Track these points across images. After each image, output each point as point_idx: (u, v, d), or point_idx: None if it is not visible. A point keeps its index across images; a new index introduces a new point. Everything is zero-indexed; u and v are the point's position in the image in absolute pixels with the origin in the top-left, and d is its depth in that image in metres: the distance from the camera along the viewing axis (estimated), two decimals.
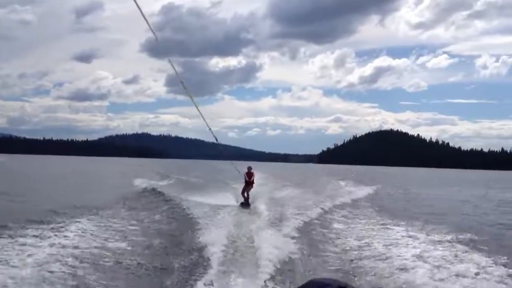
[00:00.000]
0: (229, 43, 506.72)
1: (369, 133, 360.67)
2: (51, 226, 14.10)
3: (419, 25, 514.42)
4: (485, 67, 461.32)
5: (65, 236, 12.68)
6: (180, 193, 24.71)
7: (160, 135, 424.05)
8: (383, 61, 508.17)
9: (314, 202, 23.14)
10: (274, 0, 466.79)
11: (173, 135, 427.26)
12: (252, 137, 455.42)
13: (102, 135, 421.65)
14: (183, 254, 11.49)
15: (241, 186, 22.71)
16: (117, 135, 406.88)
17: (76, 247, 11.42)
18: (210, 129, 18.64)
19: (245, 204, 21.52)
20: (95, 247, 11.72)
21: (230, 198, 22.96)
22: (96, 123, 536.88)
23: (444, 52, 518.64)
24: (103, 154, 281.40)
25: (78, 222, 15.20)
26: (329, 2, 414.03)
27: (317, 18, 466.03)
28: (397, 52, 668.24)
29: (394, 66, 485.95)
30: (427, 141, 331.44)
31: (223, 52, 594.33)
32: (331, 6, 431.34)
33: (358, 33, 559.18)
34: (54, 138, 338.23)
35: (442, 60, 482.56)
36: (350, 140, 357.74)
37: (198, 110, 17.36)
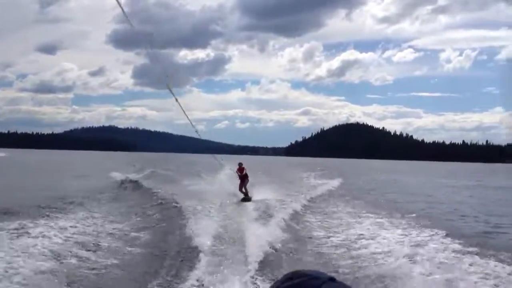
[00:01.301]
0: (198, 35, 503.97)
1: (336, 126, 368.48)
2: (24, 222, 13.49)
3: (385, 19, 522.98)
4: (449, 61, 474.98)
5: (46, 234, 12.21)
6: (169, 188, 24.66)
7: (128, 128, 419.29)
8: (350, 54, 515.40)
9: (295, 194, 24.18)
10: None
11: (140, 128, 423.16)
12: (221, 130, 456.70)
13: (67, 128, 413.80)
14: (171, 248, 11.73)
15: (236, 183, 22.91)
16: (83, 128, 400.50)
17: (60, 244, 11.30)
18: (193, 125, 20.09)
19: (246, 198, 21.81)
20: (78, 244, 11.63)
21: (228, 196, 22.55)
22: (61, 115, 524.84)
23: (409, 46, 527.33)
24: (69, 147, 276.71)
25: (59, 218, 15.03)
26: None
27: (286, 11, 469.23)
28: (364, 45, 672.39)
29: (361, 59, 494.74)
30: (392, 133, 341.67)
31: (192, 44, 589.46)
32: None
33: (326, 27, 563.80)
34: (19, 131, 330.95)
35: (407, 54, 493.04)
36: (317, 133, 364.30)
37: (181, 107, 18.32)
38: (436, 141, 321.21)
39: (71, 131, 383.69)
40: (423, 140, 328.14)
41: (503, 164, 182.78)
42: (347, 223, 16.71)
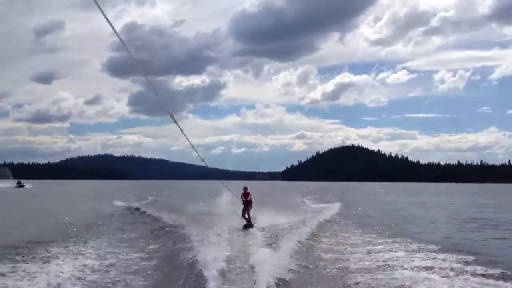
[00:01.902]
0: (192, 62, 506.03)
1: (331, 149, 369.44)
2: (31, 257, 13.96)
3: (378, 42, 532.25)
4: (442, 81, 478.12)
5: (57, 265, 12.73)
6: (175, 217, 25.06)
7: (124, 155, 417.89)
8: (345, 77, 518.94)
9: (300, 220, 24.12)
10: (237, 18, 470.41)
11: (136, 156, 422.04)
12: (217, 156, 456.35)
13: (63, 158, 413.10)
14: (178, 276, 11.75)
15: (240, 208, 22.80)
16: (79, 157, 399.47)
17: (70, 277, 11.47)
18: (198, 153, 19.18)
19: (248, 225, 21.49)
20: (84, 275, 11.86)
21: (233, 221, 22.96)
22: (57, 145, 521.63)
23: (403, 68, 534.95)
24: (65, 177, 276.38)
25: (66, 248, 15.46)
26: (290, 19, 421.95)
27: (280, 35, 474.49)
28: (358, 68, 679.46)
29: (355, 82, 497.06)
30: (387, 155, 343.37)
31: (187, 71, 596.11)
32: (292, 24, 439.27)
33: (320, 50, 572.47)
34: (14, 162, 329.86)
35: (401, 76, 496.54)
36: (313, 156, 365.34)
37: (186, 137, 17.22)
38: (432, 162, 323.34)
39: (67, 160, 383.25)
40: (418, 162, 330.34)
41: (497, 184, 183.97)
42: (357, 249, 16.34)
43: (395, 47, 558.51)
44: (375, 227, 22.63)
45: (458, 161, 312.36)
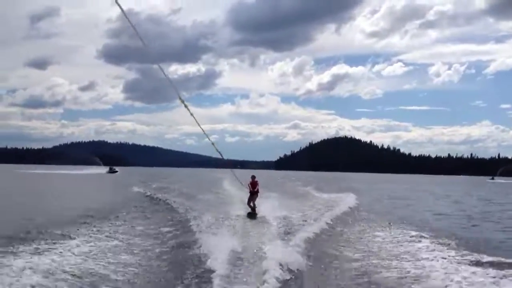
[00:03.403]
0: (189, 50, 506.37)
1: (324, 140, 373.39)
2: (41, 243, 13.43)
3: (375, 34, 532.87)
4: (438, 74, 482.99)
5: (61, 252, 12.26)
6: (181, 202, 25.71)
7: (117, 142, 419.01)
8: (340, 68, 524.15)
9: (306, 209, 24.60)
10: (234, 8, 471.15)
11: (130, 143, 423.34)
12: (211, 144, 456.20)
13: (56, 143, 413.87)
14: (185, 266, 11.34)
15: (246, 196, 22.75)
16: (72, 143, 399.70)
17: (76, 263, 11.20)
18: (213, 143, 19.20)
19: (252, 214, 21.45)
20: (92, 261, 11.57)
21: (237, 208, 23.06)
22: (50, 130, 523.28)
23: (399, 60, 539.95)
24: (58, 162, 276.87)
25: (77, 235, 15.14)
26: (288, 10, 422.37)
27: (276, 26, 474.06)
28: (354, 60, 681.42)
29: (350, 73, 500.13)
30: (379, 147, 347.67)
31: (182, 59, 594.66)
32: (290, 14, 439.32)
33: (316, 41, 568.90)
34: (8, 146, 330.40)
35: (396, 68, 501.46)
36: (306, 147, 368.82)
37: (199, 125, 16.68)
38: (423, 155, 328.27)
39: (60, 146, 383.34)
40: (410, 154, 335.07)
41: (485, 177, 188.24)
42: (372, 242, 15.92)
43: (391, 40, 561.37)
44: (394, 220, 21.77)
45: (449, 154, 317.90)
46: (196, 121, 16.72)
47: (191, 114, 16.25)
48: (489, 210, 31.97)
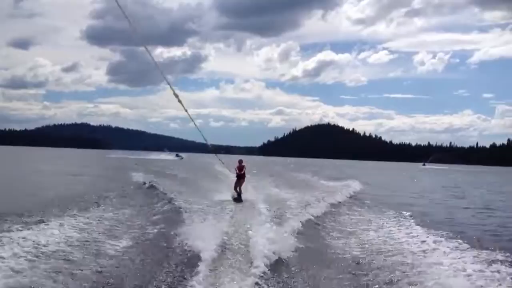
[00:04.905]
0: (174, 33, 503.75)
1: (307, 126, 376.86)
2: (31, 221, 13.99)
3: (361, 21, 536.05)
4: (422, 63, 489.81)
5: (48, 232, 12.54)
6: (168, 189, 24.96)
7: (100, 125, 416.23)
8: (326, 55, 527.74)
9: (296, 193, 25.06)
10: None
11: (113, 126, 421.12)
12: (194, 129, 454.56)
13: (38, 125, 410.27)
14: (170, 253, 10.92)
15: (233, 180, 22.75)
16: (54, 125, 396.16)
17: (63, 242, 11.43)
18: (199, 130, 20.82)
19: (238, 198, 21.56)
20: (79, 245, 11.45)
21: (223, 193, 22.88)
22: (31, 111, 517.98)
23: (384, 48, 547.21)
24: (41, 144, 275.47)
25: (67, 217, 15.14)
26: None
27: (263, 11, 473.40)
28: (340, 47, 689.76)
29: (336, 60, 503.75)
30: (361, 135, 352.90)
31: (168, 42, 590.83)
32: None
33: (303, 27, 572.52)
34: None
35: (382, 56, 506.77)
36: (290, 133, 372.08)
37: (186, 111, 18.38)
38: (403, 143, 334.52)
39: (42, 127, 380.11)
40: (391, 142, 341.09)
41: (463, 165, 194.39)
42: (365, 230, 16.02)
43: (377, 27, 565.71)
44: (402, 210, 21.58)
45: (429, 142, 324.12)
46: (184, 108, 17.75)
47: (179, 101, 17.26)
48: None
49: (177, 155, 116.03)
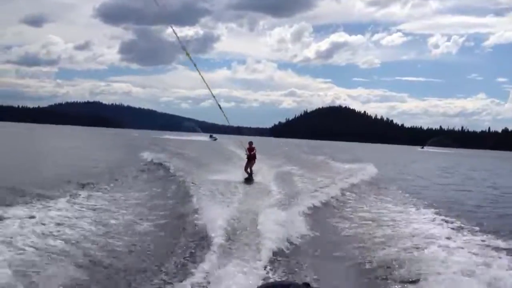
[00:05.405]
0: (187, 13, 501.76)
1: (319, 108, 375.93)
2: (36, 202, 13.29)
3: (375, 2, 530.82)
4: (436, 46, 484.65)
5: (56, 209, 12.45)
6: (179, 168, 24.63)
7: (112, 104, 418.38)
8: (340, 36, 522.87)
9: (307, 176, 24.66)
10: None
11: (125, 104, 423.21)
12: (206, 109, 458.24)
13: (51, 102, 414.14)
14: (180, 235, 10.82)
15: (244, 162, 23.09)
16: (67, 103, 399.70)
17: (66, 224, 11.02)
18: (220, 108, 20.97)
19: (249, 179, 21.84)
20: (82, 226, 11.04)
21: (234, 173, 22.90)
22: (44, 89, 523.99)
23: (398, 30, 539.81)
24: (54, 122, 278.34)
25: (71, 196, 14.81)
26: None
27: None
28: (353, 28, 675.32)
29: (350, 42, 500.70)
30: (373, 117, 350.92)
31: (180, 22, 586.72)
32: None
33: (316, 8, 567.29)
34: (4, 104, 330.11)
35: (396, 38, 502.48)
36: (301, 115, 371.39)
37: (209, 89, 18.83)
38: (415, 126, 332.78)
39: (55, 105, 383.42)
40: (402, 125, 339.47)
41: (474, 150, 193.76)
42: (380, 213, 15.26)
43: (391, 9, 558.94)
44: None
45: (440, 126, 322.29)
46: (209, 88, 18.54)
47: (203, 78, 18.14)
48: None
49: (210, 136, 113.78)
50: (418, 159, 74.89)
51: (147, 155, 32.62)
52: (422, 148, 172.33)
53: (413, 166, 52.84)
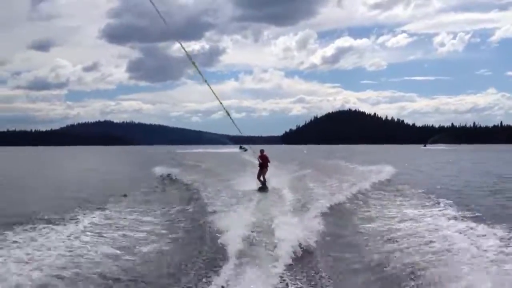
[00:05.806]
0: (192, 28, 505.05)
1: (329, 113, 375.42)
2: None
3: (378, 5, 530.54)
4: (442, 44, 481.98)
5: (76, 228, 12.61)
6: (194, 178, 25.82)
7: (123, 122, 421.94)
8: (344, 41, 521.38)
9: (324, 182, 24.35)
10: None
11: (136, 122, 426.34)
12: (216, 121, 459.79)
13: (62, 124, 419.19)
14: (196, 243, 11.08)
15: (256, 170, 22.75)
16: (78, 124, 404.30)
17: (85, 240, 11.20)
18: (230, 117, 20.88)
19: (263, 188, 21.33)
20: (106, 239, 11.47)
21: (248, 183, 22.67)
22: (55, 112, 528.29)
23: (403, 31, 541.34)
24: (67, 143, 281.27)
25: (89, 215, 14.83)
26: None
27: (278, 0, 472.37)
28: (357, 32, 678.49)
29: (355, 46, 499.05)
30: (383, 119, 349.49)
31: (186, 37, 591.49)
32: None
33: (319, 15, 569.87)
34: (16, 129, 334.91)
35: (401, 39, 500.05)
36: (311, 120, 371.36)
37: (217, 98, 18.87)
38: (426, 125, 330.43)
39: (67, 127, 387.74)
40: (414, 124, 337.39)
41: (484, 145, 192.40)
42: (400, 218, 14.39)
43: (394, 11, 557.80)
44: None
45: (452, 123, 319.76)
46: (217, 98, 18.66)
47: (212, 92, 18.39)
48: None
49: (240, 147, 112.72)
50: (416, 157, 73.47)
51: (165, 170, 33.21)
52: (425, 146, 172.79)
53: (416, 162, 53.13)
